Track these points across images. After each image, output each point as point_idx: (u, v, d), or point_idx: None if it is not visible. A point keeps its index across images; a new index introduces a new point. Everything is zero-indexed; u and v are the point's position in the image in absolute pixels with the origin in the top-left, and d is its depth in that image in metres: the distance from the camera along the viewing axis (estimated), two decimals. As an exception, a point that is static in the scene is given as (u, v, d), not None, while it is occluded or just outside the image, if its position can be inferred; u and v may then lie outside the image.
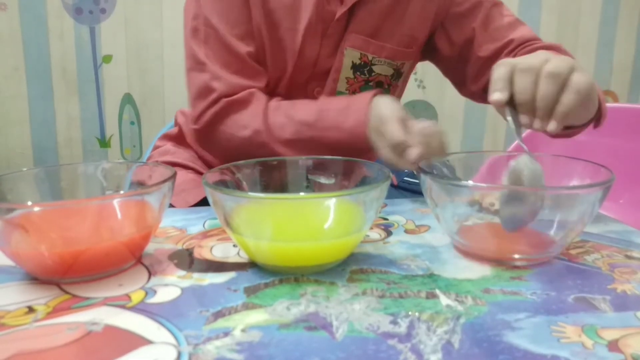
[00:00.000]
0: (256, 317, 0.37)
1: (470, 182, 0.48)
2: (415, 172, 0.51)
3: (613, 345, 0.33)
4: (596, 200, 0.44)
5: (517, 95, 0.53)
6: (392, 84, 0.83)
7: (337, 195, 0.43)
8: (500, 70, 0.55)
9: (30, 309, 0.38)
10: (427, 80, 2.13)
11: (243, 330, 0.35)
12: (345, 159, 0.54)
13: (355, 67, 0.78)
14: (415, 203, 0.66)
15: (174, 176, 0.46)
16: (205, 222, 0.59)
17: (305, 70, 0.77)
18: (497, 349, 0.33)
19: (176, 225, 0.58)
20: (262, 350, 0.32)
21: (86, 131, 2.05)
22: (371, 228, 0.56)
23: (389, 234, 0.55)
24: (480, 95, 0.83)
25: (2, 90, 2.03)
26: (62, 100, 2.06)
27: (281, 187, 0.54)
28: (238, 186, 0.51)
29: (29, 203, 0.48)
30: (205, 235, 0.54)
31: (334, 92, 0.79)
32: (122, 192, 0.52)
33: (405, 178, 0.93)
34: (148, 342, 0.34)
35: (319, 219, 0.43)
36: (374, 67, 0.79)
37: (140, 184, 0.52)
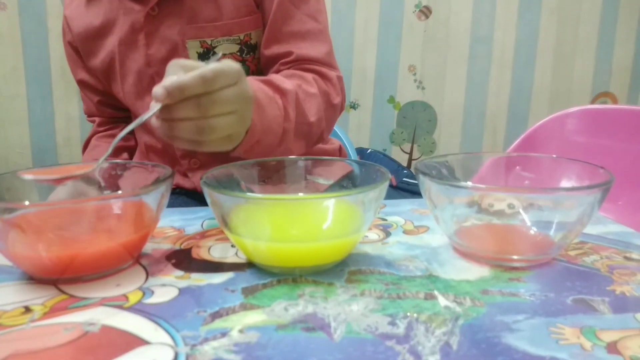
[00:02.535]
0: (254, 317, 0.37)
1: (469, 183, 0.48)
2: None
3: (612, 347, 0.33)
4: (595, 201, 0.44)
5: None
6: (245, 60, 0.80)
7: (335, 195, 0.43)
8: None
9: (27, 309, 0.38)
10: (427, 81, 2.13)
11: (240, 331, 0.35)
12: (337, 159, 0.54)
13: (201, 57, 0.78)
14: (414, 204, 0.66)
15: (172, 176, 0.46)
16: (203, 222, 0.59)
17: (142, 74, 0.79)
18: (495, 350, 0.33)
19: (174, 225, 0.58)
20: (260, 351, 0.32)
21: (85, 131, 2.05)
22: (370, 229, 0.56)
23: (388, 234, 0.55)
24: None
25: (1, 90, 2.03)
26: (61, 100, 2.06)
27: (280, 188, 0.54)
28: (236, 186, 0.51)
29: (27, 203, 0.47)
30: (203, 235, 0.54)
31: None
32: (119, 192, 0.52)
33: (404, 179, 0.93)
34: (145, 342, 0.33)
35: (317, 220, 0.43)
36: (216, 50, 0.78)
37: (138, 184, 0.52)
